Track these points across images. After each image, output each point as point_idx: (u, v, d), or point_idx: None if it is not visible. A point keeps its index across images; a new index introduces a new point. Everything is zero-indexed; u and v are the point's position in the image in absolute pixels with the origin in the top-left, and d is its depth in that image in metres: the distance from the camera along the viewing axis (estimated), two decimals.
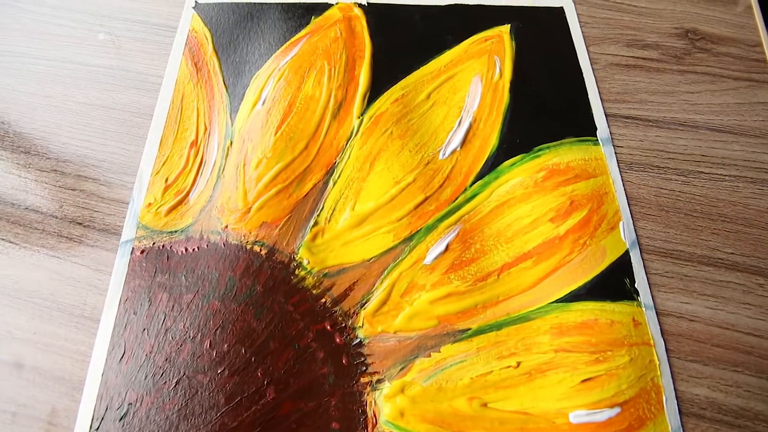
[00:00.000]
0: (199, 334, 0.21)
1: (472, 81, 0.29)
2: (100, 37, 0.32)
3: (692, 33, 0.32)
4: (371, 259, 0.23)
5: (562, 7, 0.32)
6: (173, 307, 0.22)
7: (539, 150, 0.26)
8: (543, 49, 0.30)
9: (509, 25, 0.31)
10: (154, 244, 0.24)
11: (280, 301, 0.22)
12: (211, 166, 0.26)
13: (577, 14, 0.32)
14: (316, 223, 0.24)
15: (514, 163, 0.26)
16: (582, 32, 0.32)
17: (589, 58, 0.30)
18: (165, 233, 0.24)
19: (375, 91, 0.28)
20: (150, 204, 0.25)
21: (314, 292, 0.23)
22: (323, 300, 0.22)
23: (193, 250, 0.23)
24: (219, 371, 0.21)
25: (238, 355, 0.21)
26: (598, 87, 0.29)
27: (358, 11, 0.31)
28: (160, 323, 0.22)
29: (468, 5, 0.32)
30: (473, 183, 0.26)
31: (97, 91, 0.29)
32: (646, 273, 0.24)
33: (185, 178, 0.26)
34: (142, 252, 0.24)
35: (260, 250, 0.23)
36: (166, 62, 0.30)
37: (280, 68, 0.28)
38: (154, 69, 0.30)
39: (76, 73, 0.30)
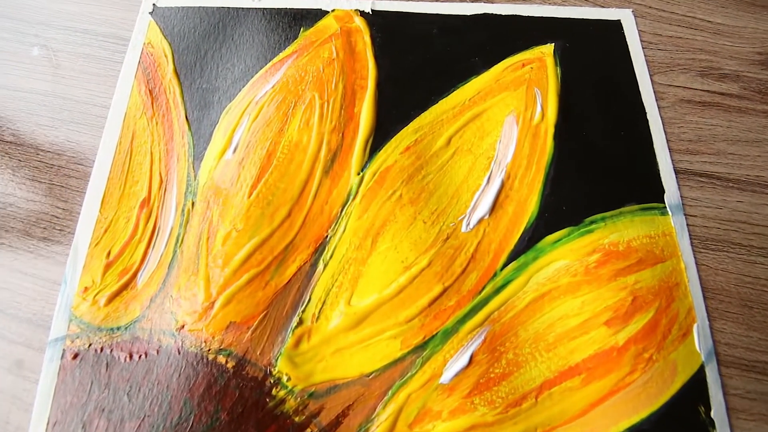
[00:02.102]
0: None
1: (506, 122, 0.23)
2: (34, 52, 0.25)
3: None
4: (371, 373, 0.18)
5: (619, 21, 0.26)
6: None
7: (592, 222, 0.21)
8: (596, 78, 0.24)
9: (553, 44, 0.25)
10: (90, 345, 0.18)
11: None
12: (167, 235, 0.20)
13: (639, 30, 0.26)
14: (300, 323, 0.19)
15: (558, 240, 0.20)
16: (645, 55, 0.25)
17: (654, 92, 0.24)
18: (104, 330, 0.19)
19: (380, 134, 0.22)
20: (86, 288, 0.19)
21: (296, 419, 0.17)
22: (308, 431, 0.17)
23: (140, 357, 0.18)
24: None
25: None
26: (665, 132, 0.23)
27: (359, 22, 0.25)
28: None
29: (500, 15, 0.25)
30: (505, 265, 0.20)
31: (27, 126, 0.23)
32: (724, 395, 0.19)
33: (132, 251, 0.20)
34: (75, 356, 0.18)
35: (226, 361, 0.18)
36: (114, 87, 0.24)
37: (257, 101, 0.22)
38: (99, 97, 0.23)
39: (2, 102, 0.24)
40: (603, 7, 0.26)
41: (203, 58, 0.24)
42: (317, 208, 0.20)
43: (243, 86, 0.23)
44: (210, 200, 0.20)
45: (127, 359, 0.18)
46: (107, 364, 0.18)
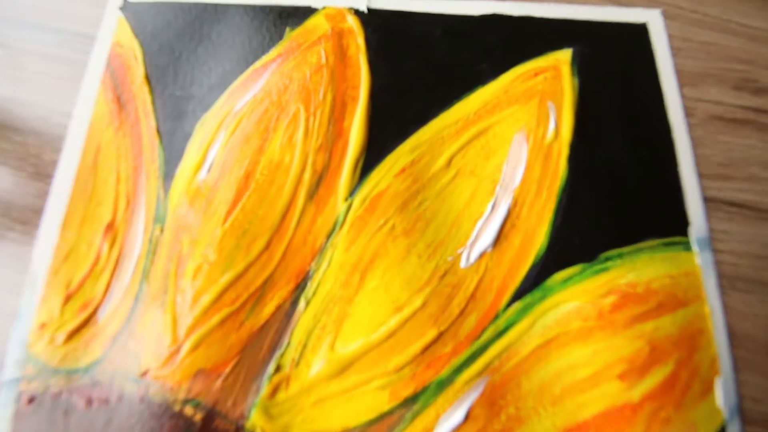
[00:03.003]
0: None
1: (514, 140, 0.20)
2: None
3: None
4: (355, 428, 0.16)
5: (645, 24, 0.23)
6: None
7: (607, 259, 0.18)
8: (618, 90, 0.21)
9: (571, 50, 0.22)
10: (47, 389, 0.16)
11: None
12: (133, 265, 0.18)
13: (668, 35, 0.23)
14: (278, 369, 0.17)
15: (569, 278, 0.18)
16: (674, 63, 0.22)
17: (683, 107, 0.22)
18: (62, 372, 0.17)
19: (373, 153, 0.19)
20: (44, 324, 0.17)
21: None
22: None
23: (100, 404, 0.16)
24: None
25: None
26: (694, 154, 0.21)
27: (352, 21, 0.22)
28: None
29: (512, 16, 0.23)
30: (508, 305, 0.18)
31: None
32: None
33: (95, 282, 0.18)
34: (31, 401, 0.16)
35: (194, 413, 0.16)
36: (77, 93, 0.21)
37: (235, 113, 0.20)
38: (61, 103, 0.21)
39: None
40: (628, 6, 0.23)
41: (177, 61, 0.21)
42: (299, 238, 0.18)
43: (220, 94, 0.20)
44: (180, 226, 0.18)
45: (86, 406, 0.16)
46: (65, 411, 0.16)
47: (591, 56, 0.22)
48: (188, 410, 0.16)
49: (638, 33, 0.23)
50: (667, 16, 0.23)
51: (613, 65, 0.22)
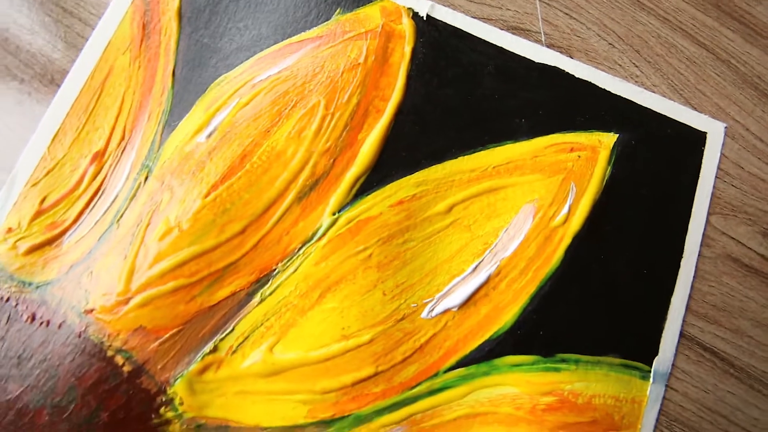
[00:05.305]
0: None
1: (522, 210, 0.19)
2: None
3: None
4: (267, 429, 0.17)
5: (704, 135, 0.21)
6: None
7: (562, 360, 0.18)
8: (647, 195, 0.20)
9: (617, 136, 0.20)
10: None
11: None
12: (109, 203, 0.18)
13: (722, 154, 0.21)
14: (214, 350, 0.17)
15: (519, 365, 0.18)
16: (714, 185, 0.21)
17: (704, 235, 0.21)
18: (16, 281, 0.17)
19: (376, 175, 0.19)
20: (10, 229, 0.17)
21: None
22: None
23: (41, 324, 0.17)
24: None
25: None
26: (692, 287, 0.20)
27: (407, 24, 0.20)
28: None
29: (572, 76, 0.21)
30: (452, 368, 0.18)
31: (4, 21, 0.20)
32: None
33: (68, 206, 0.18)
34: None
35: (123, 363, 0.17)
36: (106, 8, 0.20)
37: (254, 85, 0.19)
38: (87, 16, 0.20)
39: None
40: (696, 109, 0.22)
41: (216, 6, 0.20)
42: (275, 235, 0.18)
43: (247, 58, 0.19)
44: (165, 181, 0.18)
45: (29, 320, 0.17)
46: (9, 317, 0.17)
47: (635, 148, 0.20)
48: (119, 359, 0.16)
49: (694, 141, 0.21)
50: (729, 134, 0.21)
51: (653, 165, 0.20)
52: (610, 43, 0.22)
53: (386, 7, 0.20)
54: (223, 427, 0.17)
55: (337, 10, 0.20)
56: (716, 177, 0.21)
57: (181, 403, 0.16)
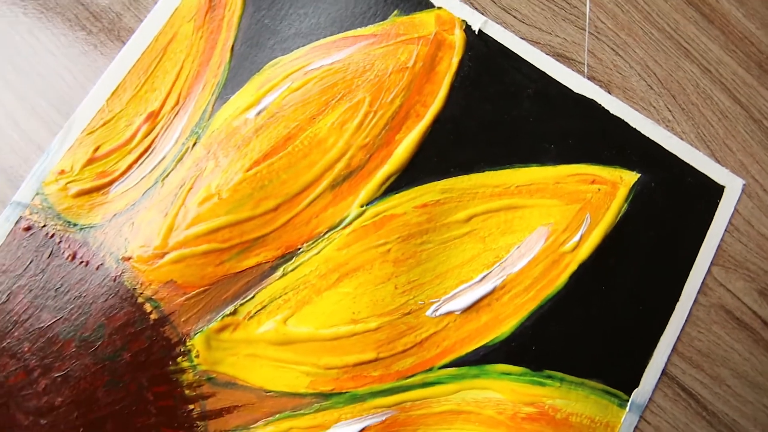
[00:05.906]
0: (38, 369, 0.18)
1: (536, 231, 0.20)
2: None
3: None
4: (270, 392, 0.18)
5: (723, 188, 0.22)
6: (27, 321, 0.17)
7: (549, 377, 0.19)
8: (656, 236, 0.21)
9: (639, 175, 0.21)
10: (44, 226, 0.18)
11: (141, 383, 0.18)
12: (157, 161, 0.19)
13: (735, 209, 0.22)
14: (234, 313, 0.18)
15: (508, 373, 0.19)
16: (722, 239, 0.22)
17: (702, 285, 0.21)
18: (62, 220, 0.19)
19: (406, 176, 0.20)
20: (63, 171, 0.19)
21: (187, 392, 0.18)
22: (192, 407, 0.18)
23: (81, 263, 0.18)
24: (41, 422, 0.17)
25: (67, 418, 0.17)
26: (681, 330, 0.21)
27: (458, 35, 0.21)
28: (3, 331, 0.17)
29: (606, 112, 0.21)
30: (446, 366, 0.19)
31: None
32: None
33: (119, 158, 0.19)
34: (28, 228, 0.18)
35: (151, 311, 0.18)
36: None
37: (307, 72, 0.20)
38: None
39: None
40: (719, 162, 0.22)
41: None
42: (305, 216, 0.19)
43: (303, 45, 0.20)
44: (211, 150, 0.19)
45: (70, 258, 0.18)
46: (51, 252, 0.18)
47: (654, 190, 0.21)
48: (147, 307, 0.18)
49: (712, 193, 0.22)
50: (746, 192, 0.22)
51: (668, 209, 0.21)
52: (649, 85, 0.23)
53: (441, 15, 0.21)
54: (230, 383, 0.18)
55: (395, 12, 0.21)
56: (726, 230, 0.22)
57: (197, 356, 0.18)
